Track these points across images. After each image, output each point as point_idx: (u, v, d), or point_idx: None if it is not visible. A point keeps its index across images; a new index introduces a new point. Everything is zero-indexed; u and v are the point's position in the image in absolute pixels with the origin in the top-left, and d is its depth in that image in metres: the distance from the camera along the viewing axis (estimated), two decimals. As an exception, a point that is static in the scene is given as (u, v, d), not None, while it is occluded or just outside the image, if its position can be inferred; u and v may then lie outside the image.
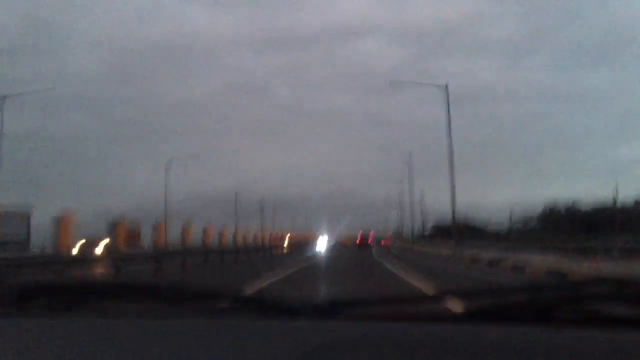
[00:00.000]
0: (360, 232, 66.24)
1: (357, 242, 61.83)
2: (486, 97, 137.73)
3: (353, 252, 38.76)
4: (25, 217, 26.24)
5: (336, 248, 52.01)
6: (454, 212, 30.24)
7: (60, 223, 23.17)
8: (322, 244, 52.96)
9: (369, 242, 61.47)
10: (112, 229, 27.09)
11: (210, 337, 0.99)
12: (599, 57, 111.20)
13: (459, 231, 31.27)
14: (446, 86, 30.30)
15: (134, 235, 30.62)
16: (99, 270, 16.16)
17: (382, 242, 68.13)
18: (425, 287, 10.07)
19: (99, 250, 18.01)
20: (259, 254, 34.15)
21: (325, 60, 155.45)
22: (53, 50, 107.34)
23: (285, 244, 50.63)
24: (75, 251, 17.91)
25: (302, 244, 54.86)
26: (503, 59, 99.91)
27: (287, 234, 60.26)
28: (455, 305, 1.07)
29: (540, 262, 15.54)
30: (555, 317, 0.99)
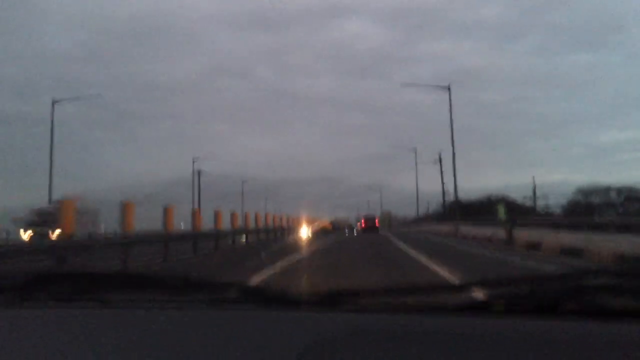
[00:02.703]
0: (364, 218, 60.11)
1: (362, 226, 55.82)
2: (471, 81, 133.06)
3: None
4: None
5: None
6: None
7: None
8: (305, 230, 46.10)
9: (376, 224, 54.96)
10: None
11: (214, 327, 0.99)
12: (584, 41, 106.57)
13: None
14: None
15: (88, 218, 26.61)
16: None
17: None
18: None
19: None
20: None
21: (309, 42, 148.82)
22: (28, 29, 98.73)
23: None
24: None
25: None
26: (489, 41, 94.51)
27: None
28: (459, 297, 1.06)
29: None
30: (559, 309, 0.98)
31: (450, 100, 35.25)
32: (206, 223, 32.44)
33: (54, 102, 30.84)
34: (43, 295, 1.19)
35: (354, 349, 0.86)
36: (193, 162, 47.96)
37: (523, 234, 19.23)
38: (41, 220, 25.18)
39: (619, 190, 46.93)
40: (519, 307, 1.01)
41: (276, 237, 32.25)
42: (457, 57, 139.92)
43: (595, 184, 49.57)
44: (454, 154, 35.68)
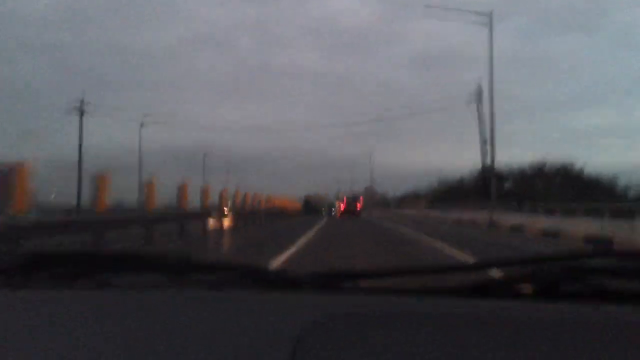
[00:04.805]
0: (345, 198, 52.14)
1: (343, 208, 48.97)
2: (456, 60, 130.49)
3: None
4: None
5: None
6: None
7: None
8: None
9: (357, 208, 48.44)
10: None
11: (215, 308, 0.99)
12: (569, 24, 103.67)
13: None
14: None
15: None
16: None
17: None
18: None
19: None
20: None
21: (294, 15, 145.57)
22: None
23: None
24: None
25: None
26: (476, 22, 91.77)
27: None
28: (459, 279, 1.05)
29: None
30: (559, 291, 0.98)
31: (491, 29, 29.76)
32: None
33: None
34: (43, 276, 1.19)
35: (355, 330, 0.85)
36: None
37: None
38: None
39: None
40: (518, 289, 1.01)
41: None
42: (444, 36, 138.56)
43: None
44: (491, 96, 29.53)
